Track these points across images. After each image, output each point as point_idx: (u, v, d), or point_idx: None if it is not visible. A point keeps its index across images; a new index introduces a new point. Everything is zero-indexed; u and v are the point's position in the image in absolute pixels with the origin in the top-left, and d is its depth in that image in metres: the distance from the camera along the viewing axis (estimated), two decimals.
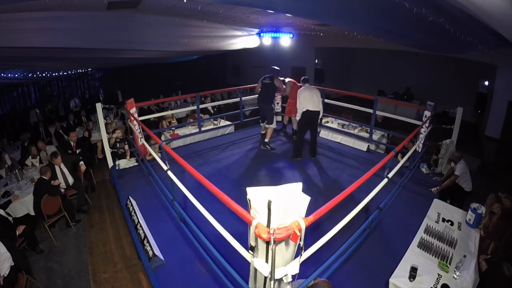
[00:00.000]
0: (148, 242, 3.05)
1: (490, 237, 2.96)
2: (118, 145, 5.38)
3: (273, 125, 5.53)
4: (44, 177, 4.02)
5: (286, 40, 7.96)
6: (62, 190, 4.48)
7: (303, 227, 1.58)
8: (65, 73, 13.79)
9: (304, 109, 4.94)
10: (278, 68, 5.43)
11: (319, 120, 6.27)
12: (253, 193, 1.61)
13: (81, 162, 4.96)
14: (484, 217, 3.09)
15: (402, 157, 3.69)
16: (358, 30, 5.61)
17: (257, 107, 6.44)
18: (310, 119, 5.03)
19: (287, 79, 6.07)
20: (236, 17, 5.88)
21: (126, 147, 5.41)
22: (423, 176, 4.68)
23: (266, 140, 5.67)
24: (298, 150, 5.26)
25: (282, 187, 1.61)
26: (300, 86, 5.34)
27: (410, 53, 8.38)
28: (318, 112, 5.02)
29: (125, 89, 12.27)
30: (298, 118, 5.15)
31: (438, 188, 4.12)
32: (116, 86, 13.16)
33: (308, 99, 4.92)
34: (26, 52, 4.96)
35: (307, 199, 1.65)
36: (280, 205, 1.52)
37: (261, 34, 7.87)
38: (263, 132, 6.05)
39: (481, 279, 2.55)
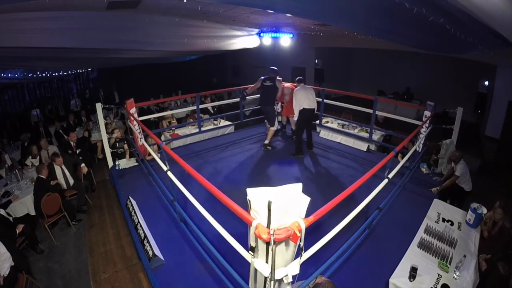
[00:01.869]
0: (148, 242, 3.05)
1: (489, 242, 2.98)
2: (117, 145, 5.38)
3: (274, 127, 5.55)
4: (41, 176, 4.01)
5: (286, 40, 7.96)
6: (64, 186, 4.51)
7: (303, 227, 1.58)
8: (65, 73, 13.77)
9: (301, 108, 5.16)
10: (276, 68, 5.45)
11: (318, 120, 6.40)
12: (253, 193, 1.61)
13: (83, 164, 4.96)
14: (490, 221, 3.08)
15: (402, 157, 3.69)
16: (358, 30, 5.61)
17: (258, 107, 6.51)
18: (307, 117, 5.27)
19: (286, 85, 5.99)
20: (236, 17, 5.88)
21: (126, 146, 5.40)
22: (423, 176, 4.68)
23: (266, 142, 5.70)
24: (299, 148, 5.40)
25: (282, 187, 1.61)
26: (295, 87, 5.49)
27: (410, 53, 8.37)
28: (313, 109, 5.29)
29: (125, 89, 12.27)
30: (296, 118, 5.25)
31: (438, 188, 4.12)
32: (115, 86, 13.16)
33: (304, 98, 5.13)
34: (26, 52, 4.95)
35: (307, 199, 1.65)
36: (280, 206, 1.52)
37: (261, 34, 7.86)
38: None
39: (480, 278, 2.56)
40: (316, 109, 5.34)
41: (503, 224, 2.92)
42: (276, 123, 5.56)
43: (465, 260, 2.62)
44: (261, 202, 1.55)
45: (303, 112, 5.14)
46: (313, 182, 4.54)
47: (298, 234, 1.56)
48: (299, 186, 1.64)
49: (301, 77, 5.55)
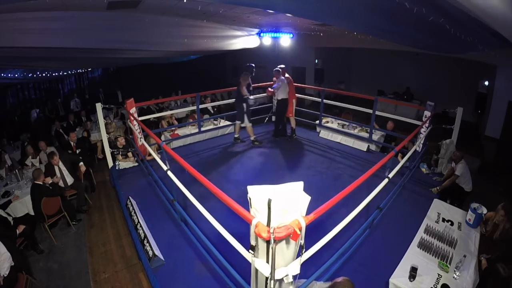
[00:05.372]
0: (148, 242, 3.05)
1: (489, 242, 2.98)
2: (121, 152, 5.34)
3: (242, 124, 5.77)
4: (37, 182, 3.88)
5: (286, 40, 7.96)
6: (62, 184, 4.47)
7: (303, 225, 1.58)
8: (65, 73, 13.81)
9: (280, 98, 5.74)
10: (251, 65, 5.65)
11: (318, 120, 6.50)
12: (253, 191, 1.61)
13: (81, 163, 4.95)
14: (491, 223, 3.09)
15: (402, 157, 3.69)
16: (358, 30, 5.62)
17: (257, 107, 6.58)
18: (284, 106, 5.88)
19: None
20: (236, 17, 5.88)
21: (130, 154, 5.35)
22: (423, 176, 4.68)
23: (251, 138, 5.94)
24: (277, 132, 6.23)
25: (283, 186, 1.60)
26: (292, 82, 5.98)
27: (410, 53, 8.38)
28: (287, 99, 5.84)
29: (125, 89, 12.27)
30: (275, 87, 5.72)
31: (438, 188, 4.12)
32: (117, 86, 13.16)
33: (281, 89, 5.69)
34: (26, 52, 4.95)
35: (307, 198, 1.64)
36: (280, 204, 1.51)
37: (261, 34, 7.87)
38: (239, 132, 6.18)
39: (480, 278, 2.56)
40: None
41: (504, 226, 2.92)
42: (246, 120, 5.67)
43: (465, 260, 2.62)
44: (261, 200, 1.54)
45: (281, 101, 5.76)
46: (313, 182, 4.53)
47: (298, 232, 1.55)
48: (299, 184, 1.63)
49: (279, 69, 5.75)
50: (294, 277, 1.71)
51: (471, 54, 5.10)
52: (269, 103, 7.50)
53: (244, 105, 5.55)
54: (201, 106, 6.00)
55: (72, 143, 5.74)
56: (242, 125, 5.79)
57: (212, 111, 8.61)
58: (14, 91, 13.33)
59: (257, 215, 1.62)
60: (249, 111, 5.71)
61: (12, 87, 13.08)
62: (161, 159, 3.33)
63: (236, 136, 6.05)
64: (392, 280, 2.42)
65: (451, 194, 4.09)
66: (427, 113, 4.63)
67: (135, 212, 3.61)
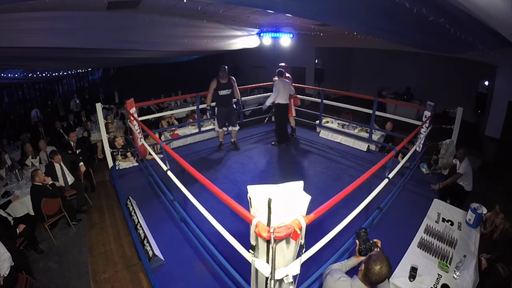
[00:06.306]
0: (148, 242, 3.05)
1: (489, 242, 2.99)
2: (120, 152, 5.33)
3: (216, 128, 5.53)
4: (36, 184, 3.86)
5: (286, 40, 7.96)
6: (62, 184, 4.47)
7: (304, 225, 1.58)
8: (65, 73, 13.81)
9: (276, 102, 5.46)
10: (222, 66, 5.41)
11: (318, 120, 6.50)
12: (254, 191, 1.61)
13: (81, 163, 4.94)
14: (490, 224, 3.09)
15: (402, 157, 3.69)
16: (358, 30, 5.62)
17: (256, 107, 6.49)
18: (282, 110, 5.64)
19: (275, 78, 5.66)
20: (236, 17, 5.88)
21: (129, 154, 5.34)
22: (423, 176, 4.67)
23: (233, 139, 5.82)
24: (280, 138, 5.86)
25: (283, 185, 1.60)
26: (291, 81, 5.80)
27: (410, 53, 8.38)
28: (287, 104, 5.61)
29: (125, 90, 12.28)
30: (268, 104, 5.54)
31: (440, 184, 4.06)
32: (116, 86, 13.16)
33: (281, 93, 5.39)
34: (26, 52, 4.95)
35: (307, 198, 1.64)
36: (280, 204, 1.51)
37: (261, 34, 7.86)
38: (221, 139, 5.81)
39: (480, 278, 2.56)
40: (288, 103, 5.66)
41: (504, 226, 2.92)
42: (216, 124, 5.46)
43: (465, 260, 2.62)
44: (262, 200, 1.54)
45: (278, 106, 5.51)
46: (313, 182, 4.53)
47: (299, 232, 1.55)
48: (300, 184, 1.63)
49: (281, 70, 5.56)
50: (294, 277, 1.71)
51: (471, 54, 5.09)
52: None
53: (216, 109, 5.34)
54: (201, 106, 5.99)
55: (72, 143, 5.74)
56: (218, 129, 5.53)
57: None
58: (13, 91, 13.33)
59: (257, 215, 1.62)
60: (222, 116, 5.35)
61: (11, 87, 13.08)
62: (161, 159, 3.33)
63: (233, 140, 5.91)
64: (392, 280, 2.42)
65: (451, 194, 4.09)
66: (427, 113, 4.62)
67: (135, 212, 3.61)
